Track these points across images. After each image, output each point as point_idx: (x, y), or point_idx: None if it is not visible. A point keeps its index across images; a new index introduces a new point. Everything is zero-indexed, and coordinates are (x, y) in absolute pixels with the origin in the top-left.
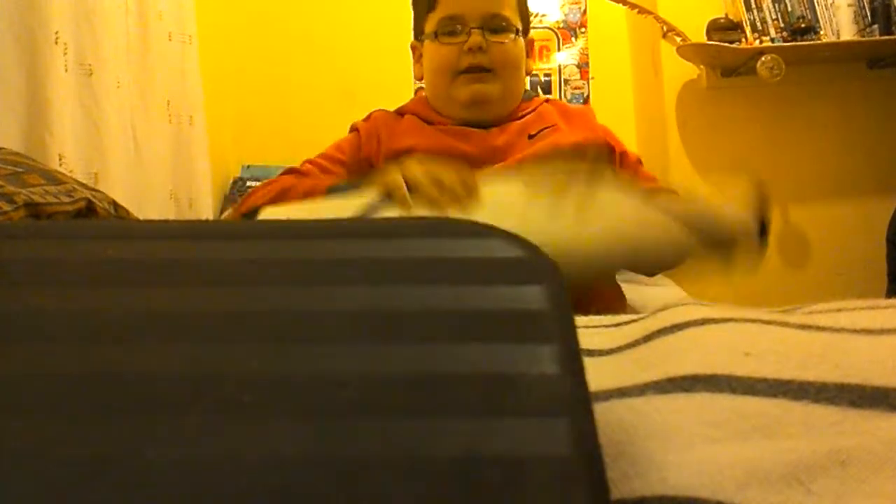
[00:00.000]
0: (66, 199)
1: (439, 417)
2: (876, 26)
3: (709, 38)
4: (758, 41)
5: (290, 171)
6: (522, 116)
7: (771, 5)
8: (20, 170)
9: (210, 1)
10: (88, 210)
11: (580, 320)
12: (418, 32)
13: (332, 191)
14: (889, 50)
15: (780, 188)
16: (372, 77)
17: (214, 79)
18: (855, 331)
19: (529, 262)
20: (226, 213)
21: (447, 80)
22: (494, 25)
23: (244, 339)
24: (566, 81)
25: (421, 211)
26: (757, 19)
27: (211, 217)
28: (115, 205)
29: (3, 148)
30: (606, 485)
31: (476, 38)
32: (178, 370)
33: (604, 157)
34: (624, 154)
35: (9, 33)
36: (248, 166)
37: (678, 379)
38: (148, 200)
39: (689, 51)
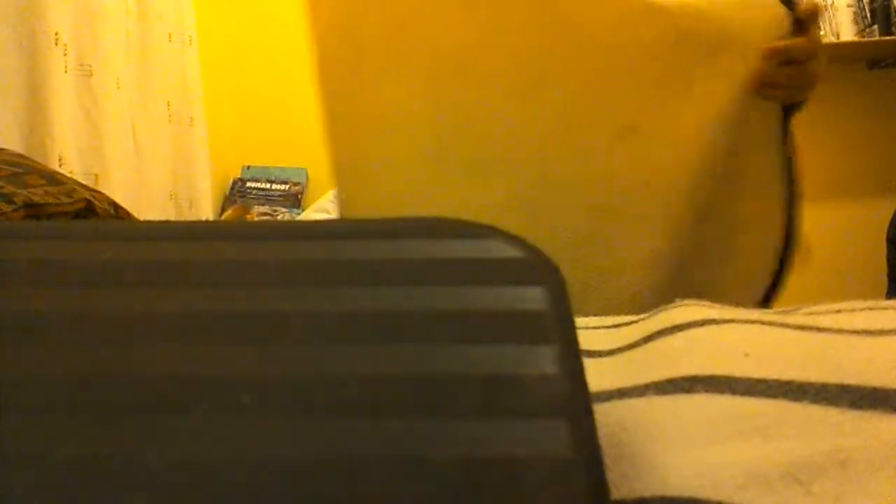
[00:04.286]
0: (66, 200)
1: (439, 418)
2: (876, 27)
3: None
4: None
5: None
6: None
7: None
8: (20, 170)
9: (210, 1)
10: (88, 211)
11: (580, 321)
12: None
13: None
14: (889, 51)
15: None
16: None
17: (214, 79)
18: (855, 332)
19: (530, 262)
20: (226, 214)
21: None
22: None
23: (244, 340)
24: None
25: None
26: None
27: (211, 218)
28: (115, 205)
29: (4, 149)
30: (606, 486)
31: None
32: (177, 371)
33: None
34: None
35: (9, 34)
36: (249, 167)
37: (678, 380)
38: (148, 201)
39: None
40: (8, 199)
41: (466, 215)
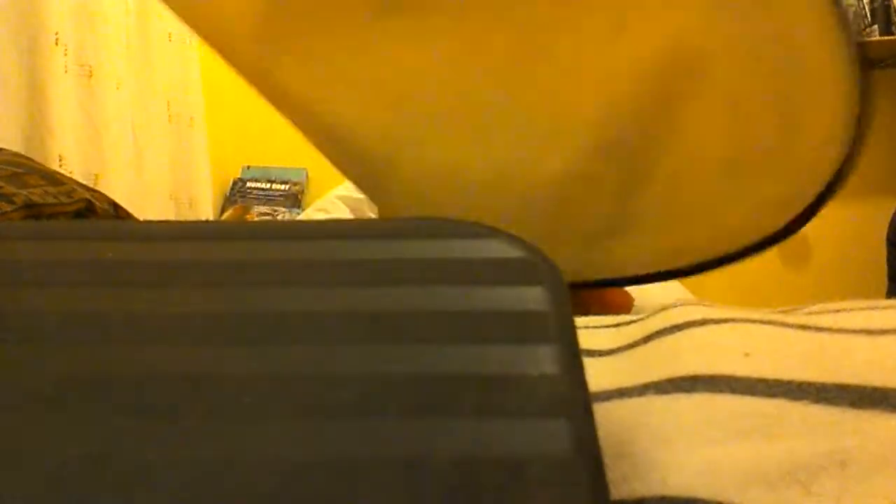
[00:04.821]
0: (66, 200)
1: (439, 418)
2: (876, 27)
3: None
4: None
5: None
6: None
7: None
8: (20, 170)
9: None
10: (88, 211)
11: (580, 320)
12: None
13: None
14: (889, 50)
15: None
16: None
17: (214, 79)
18: (855, 331)
19: (530, 262)
20: (226, 214)
21: None
22: None
23: (244, 340)
24: None
25: None
26: None
27: (211, 218)
28: (115, 205)
29: (4, 149)
30: (606, 486)
31: None
32: (177, 371)
33: None
34: None
35: (9, 33)
36: (249, 167)
37: (678, 379)
38: (148, 201)
39: None
40: (8, 199)
41: None
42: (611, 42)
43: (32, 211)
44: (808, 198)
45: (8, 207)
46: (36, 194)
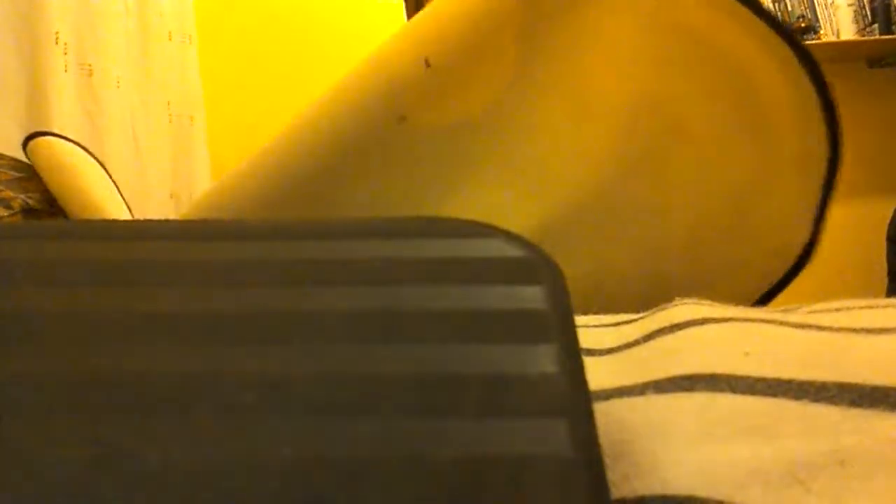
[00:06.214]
0: None
1: (439, 418)
2: (876, 26)
3: None
4: None
5: None
6: None
7: (771, 5)
8: (22, 175)
9: (210, 1)
10: None
11: (580, 320)
12: None
13: None
14: (889, 49)
15: None
16: None
17: (214, 79)
18: (855, 330)
19: (530, 261)
20: None
21: None
22: None
23: (244, 340)
24: None
25: None
26: None
27: None
28: None
29: (5, 155)
30: (607, 485)
31: None
32: (178, 370)
33: None
34: None
35: (9, 33)
36: None
37: (678, 378)
38: (148, 200)
39: None
40: (6, 203)
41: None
42: (579, 122)
43: (30, 216)
44: (814, 209)
45: (5, 213)
46: (34, 199)
